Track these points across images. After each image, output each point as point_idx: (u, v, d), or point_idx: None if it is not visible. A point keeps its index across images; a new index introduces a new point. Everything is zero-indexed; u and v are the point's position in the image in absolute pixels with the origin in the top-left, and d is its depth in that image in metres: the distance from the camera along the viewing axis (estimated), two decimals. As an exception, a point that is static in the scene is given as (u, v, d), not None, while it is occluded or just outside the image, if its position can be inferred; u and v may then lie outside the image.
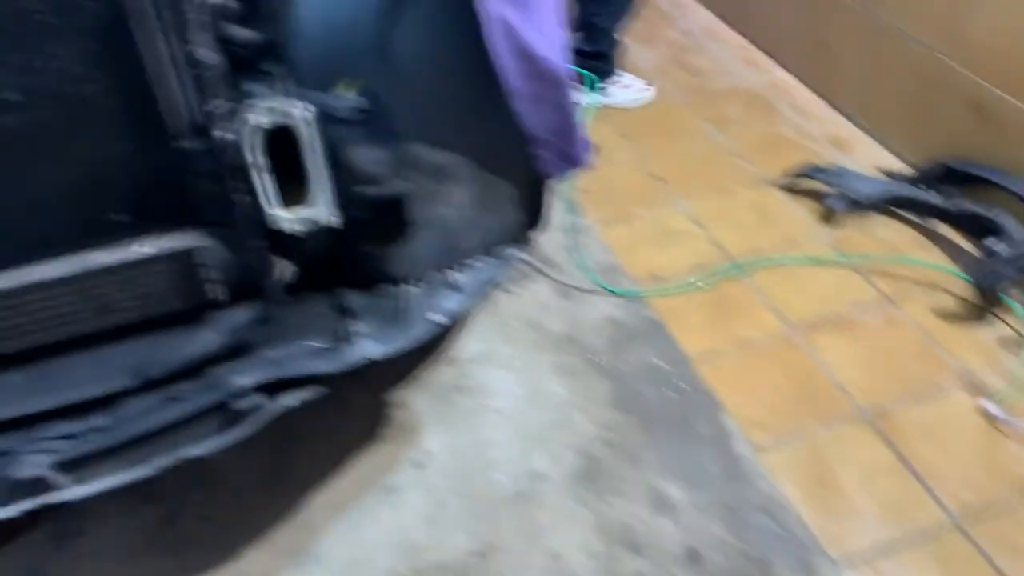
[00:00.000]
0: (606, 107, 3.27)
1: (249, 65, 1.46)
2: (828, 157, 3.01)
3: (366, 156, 1.53)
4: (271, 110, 1.35)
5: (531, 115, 1.48)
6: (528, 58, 1.42)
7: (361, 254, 1.63)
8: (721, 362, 2.25)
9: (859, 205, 2.69)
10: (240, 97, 1.39)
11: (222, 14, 1.33)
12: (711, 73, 3.58)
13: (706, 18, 4.04)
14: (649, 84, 3.40)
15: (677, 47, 3.79)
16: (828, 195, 2.74)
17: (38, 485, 1.32)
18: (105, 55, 1.24)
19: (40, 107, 1.25)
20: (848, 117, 3.22)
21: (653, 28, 3.90)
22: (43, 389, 1.42)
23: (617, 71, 3.30)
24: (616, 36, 3.20)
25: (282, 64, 1.49)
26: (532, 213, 1.71)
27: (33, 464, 1.32)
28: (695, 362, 2.25)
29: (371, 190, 1.55)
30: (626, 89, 3.33)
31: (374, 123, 1.48)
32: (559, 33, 1.47)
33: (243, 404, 1.42)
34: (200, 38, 1.27)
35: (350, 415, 2.11)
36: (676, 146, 3.12)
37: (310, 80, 1.49)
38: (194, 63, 1.26)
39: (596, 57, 3.17)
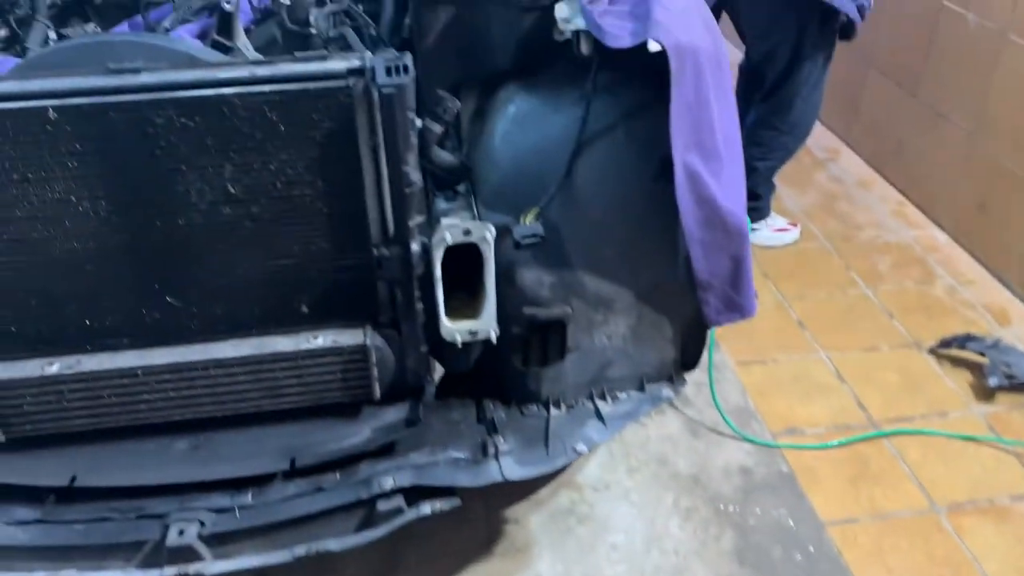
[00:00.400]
0: (752, 245, 3.25)
1: (442, 184, 1.55)
2: (985, 327, 2.87)
3: (534, 278, 1.58)
4: (460, 229, 1.41)
5: (704, 261, 1.49)
6: (710, 206, 1.44)
7: (512, 370, 1.65)
8: (856, 531, 2.11)
9: (1018, 383, 2.53)
10: (432, 213, 1.48)
11: (429, 137, 1.43)
12: (860, 223, 3.52)
13: (858, 166, 4.00)
14: (796, 226, 3.37)
15: (827, 193, 3.76)
16: (983, 368, 2.60)
17: (185, 553, 1.37)
18: (324, 164, 1.35)
19: (256, 202, 1.37)
20: (1009, 287, 3.08)
21: (804, 172, 3.90)
22: (203, 459, 1.50)
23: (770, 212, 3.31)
24: (774, 180, 3.22)
25: (471, 185, 1.57)
26: (687, 354, 1.70)
27: (185, 532, 1.37)
28: (827, 526, 2.12)
29: (534, 311, 1.59)
30: (774, 230, 3.31)
31: (547, 248, 1.53)
32: (741, 185, 1.50)
33: (385, 506, 1.44)
34: (410, 158, 1.36)
35: (465, 522, 2.09)
36: (820, 293, 3.05)
37: (494, 202, 1.57)
38: (401, 180, 1.35)
39: (753, 198, 3.18)
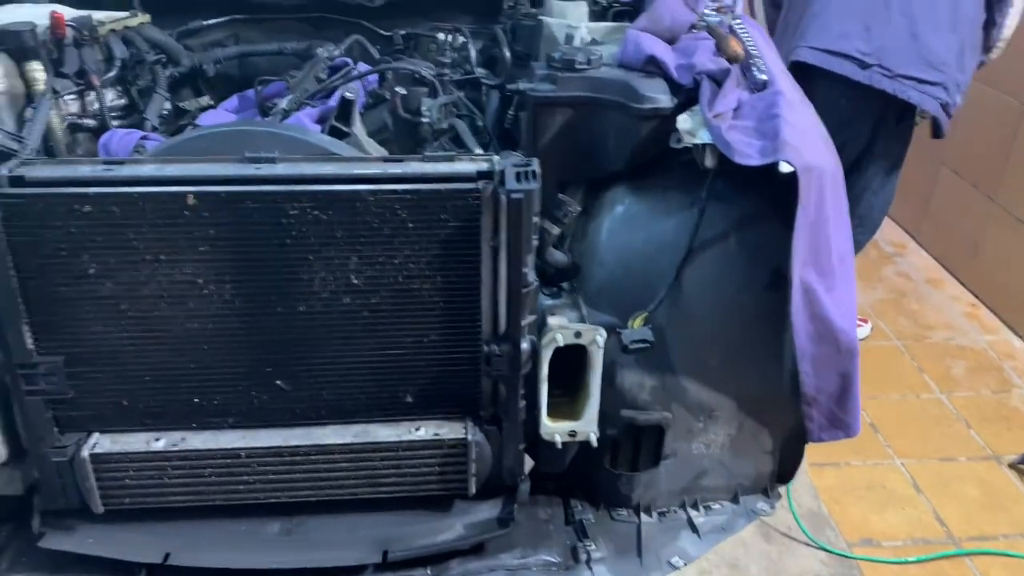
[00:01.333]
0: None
1: (553, 284, 1.56)
2: (1067, 442, 2.78)
3: (636, 381, 1.56)
4: (571, 331, 1.41)
5: (812, 376, 1.47)
6: (823, 323, 1.42)
7: (603, 472, 1.63)
8: (939, 657, 2.02)
9: (1106, 507, 2.43)
10: (543, 312, 1.48)
11: (547, 239, 1.45)
12: (931, 323, 3.46)
13: (926, 263, 3.96)
14: (867, 322, 3.33)
15: (896, 289, 3.72)
16: (1068, 487, 2.51)
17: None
18: (445, 260, 1.36)
19: (376, 294, 1.38)
20: (1089, 401, 2.99)
21: (872, 266, 3.86)
22: (296, 545, 1.48)
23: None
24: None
25: (581, 286, 1.58)
26: (783, 467, 1.66)
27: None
28: (908, 649, 2.04)
29: (633, 414, 1.57)
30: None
31: (650, 352, 1.52)
32: (853, 301, 1.48)
33: (478, 610, 1.41)
34: (529, 259, 1.37)
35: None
36: (892, 394, 2.99)
37: (597, 301, 1.57)
38: (519, 280, 1.36)
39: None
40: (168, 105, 2.05)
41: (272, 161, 1.34)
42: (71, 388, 1.39)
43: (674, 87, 1.56)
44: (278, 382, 1.44)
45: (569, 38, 1.79)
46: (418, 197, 1.32)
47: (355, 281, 1.37)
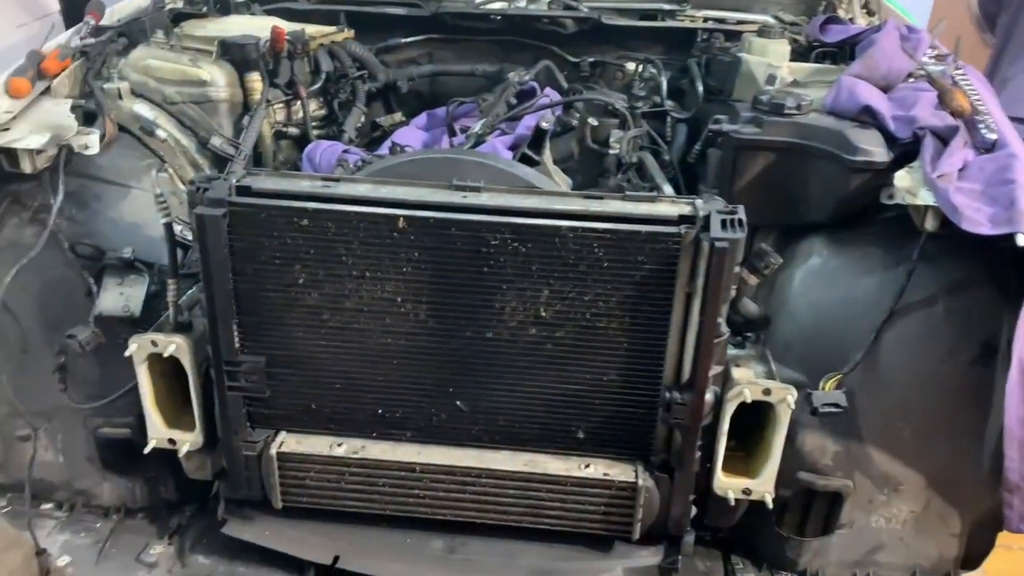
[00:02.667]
0: None
1: (739, 333, 1.52)
2: None
3: (818, 444, 1.49)
4: (760, 388, 1.37)
5: (1020, 463, 1.35)
6: (1042, 409, 1.31)
7: (771, 532, 1.56)
8: None
9: None
10: (729, 363, 1.44)
11: (744, 289, 1.41)
12: None
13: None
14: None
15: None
16: None
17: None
18: (636, 302, 1.34)
19: (562, 328, 1.38)
20: None
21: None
22: (457, 566, 1.51)
23: None
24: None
25: (768, 338, 1.52)
26: (972, 553, 1.54)
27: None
28: None
29: (812, 479, 1.50)
30: None
31: (837, 415, 1.45)
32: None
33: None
34: (724, 309, 1.33)
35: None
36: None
37: (785, 355, 1.51)
38: (712, 329, 1.33)
39: None
40: (363, 119, 2.15)
41: (477, 190, 1.37)
42: (268, 388, 1.47)
43: (889, 140, 1.48)
44: (458, 402, 1.46)
45: (772, 79, 1.74)
46: (617, 237, 1.31)
47: (543, 313, 1.37)
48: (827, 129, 1.49)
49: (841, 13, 2.20)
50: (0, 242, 1.58)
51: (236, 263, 1.39)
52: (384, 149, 1.92)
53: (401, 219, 1.33)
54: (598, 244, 1.32)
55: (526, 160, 1.74)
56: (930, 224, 1.34)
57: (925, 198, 1.33)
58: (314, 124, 2.07)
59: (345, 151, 1.83)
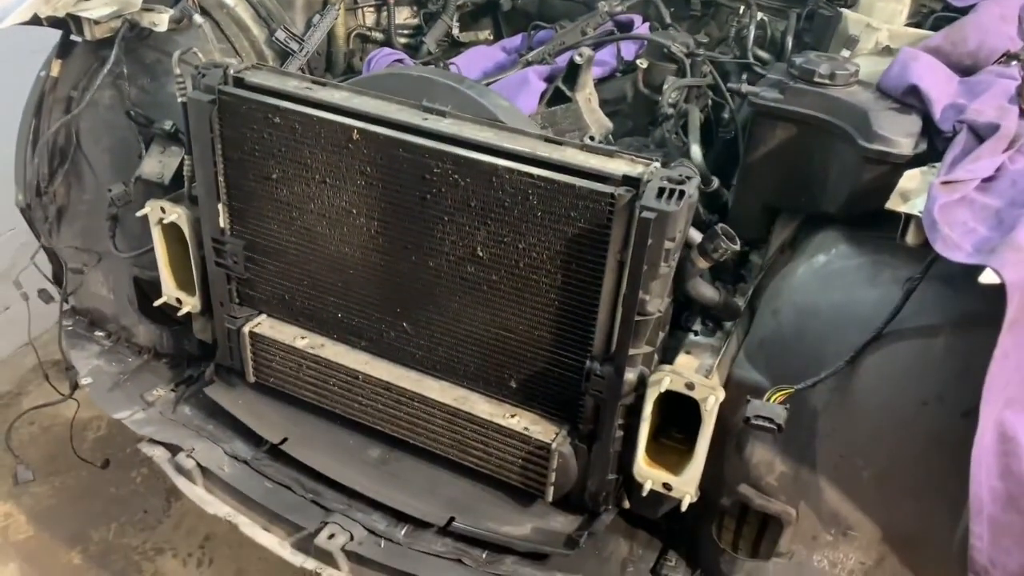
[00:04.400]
0: None
1: (713, 320, 1.37)
2: None
3: (765, 460, 1.33)
4: (683, 380, 1.24)
5: (989, 544, 1.12)
6: (1018, 484, 1.07)
7: (712, 542, 1.43)
8: None
9: None
10: (663, 349, 1.32)
11: (689, 270, 1.26)
12: None
13: None
14: None
15: None
16: None
17: (326, 556, 1.45)
18: (568, 260, 1.26)
19: (496, 271, 1.33)
20: None
21: None
22: (384, 478, 1.55)
23: None
24: None
25: (750, 335, 1.36)
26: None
27: (334, 538, 1.44)
28: None
29: (750, 494, 1.34)
30: None
31: (793, 435, 1.27)
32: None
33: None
34: (654, 287, 1.21)
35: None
36: None
37: (756, 354, 1.34)
38: (634, 303, 1.21)
39: None
40: (455, 32, 2.13)
41: (443, 114, 1.33)
42: (248, 271, 1.58)
43: (933, 130, 1.22)
44: (404, 324, 1.48)
45: (851, 41, 1.48)
46: (550, 188, 1.22)
47: (480, 254, 1.33)
48: (852, 106, 1.25)
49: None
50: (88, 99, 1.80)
51: (225, 149, 1.48)
52: (453, 63, 1.91)
53: (355, 131, 1.34)
54: (532, 191, 1.24)
55: (558, 95, 1.64)
56: (911, 238, 1.10)
57: (915, 206, 1.09)
58: (404, 32, 2.10)
59: (399, 60, 1.84)
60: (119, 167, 1.80)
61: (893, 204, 1.12)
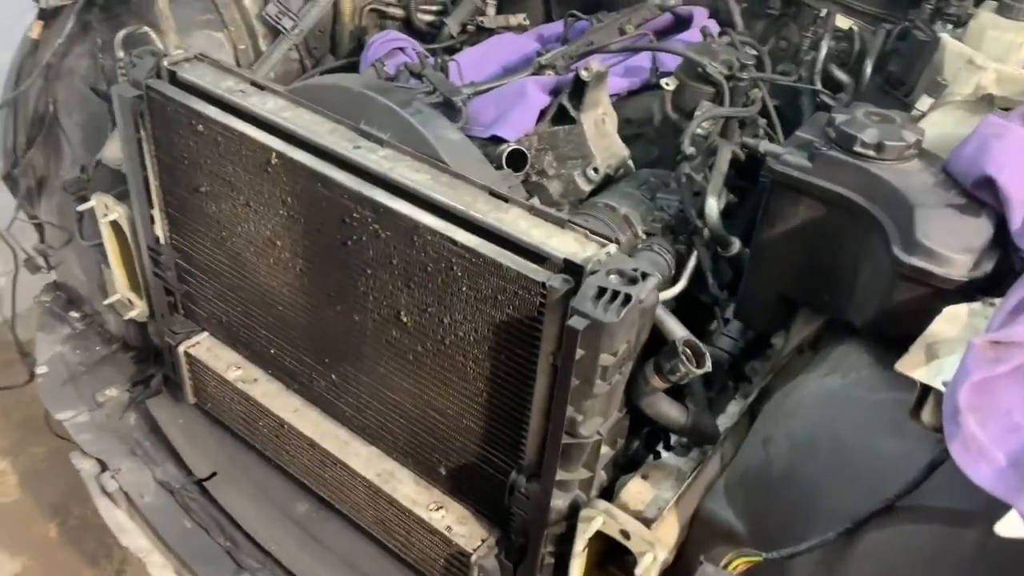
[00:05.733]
0: None
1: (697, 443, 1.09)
2: None
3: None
4: (617, 527, 0.97)
5: None
6: None
7: None
8: None
9: None
10: (614, 466, 1.04)
11: (641, 388, 0.97)
12: None
13: None
14: None
15: None
16: None
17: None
18: (497, 349, 1.00)
19: (422, 343, 1.09)
20: None
21: None
22: (304, 542, 1.36)
23: None
24: None
25: (697, 452, 1.07)
26: None
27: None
28: None
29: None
30: None
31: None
32: None
33: None
34: (586, 405, 0.93)
35: None
36: None
37: (735, 490, 1.05)
38: (560, 420, 0.94)
39: None
40: (490, 13, 1.85)
41: (380, 143, 1.09)
42: (185, 285, 1.40)
43: (1010, 246, 0.87)
44: (333, 376, 1.26)
45: (936, 87, 1.12)
46: (475, 261, 0.96)
47: (404, 319, 1.09)
48: (897, 194, 0.91)
49: None
50: (64, 65, 1.66)
51: (157, 150, 1.29)
52: (463, 55, 1.63)
53: (274, 153, 1.11)
54: (456, 260, 0.98)
55: (562, 113, 1.35)
56: (928, 417, 0.77)
57: (941, 373, 0.75)
58: (433, 8, 1.83)
59: (399, 48, 1.58)
60: (90, 145, 1.65)
61: (906, 365, 0.78)
